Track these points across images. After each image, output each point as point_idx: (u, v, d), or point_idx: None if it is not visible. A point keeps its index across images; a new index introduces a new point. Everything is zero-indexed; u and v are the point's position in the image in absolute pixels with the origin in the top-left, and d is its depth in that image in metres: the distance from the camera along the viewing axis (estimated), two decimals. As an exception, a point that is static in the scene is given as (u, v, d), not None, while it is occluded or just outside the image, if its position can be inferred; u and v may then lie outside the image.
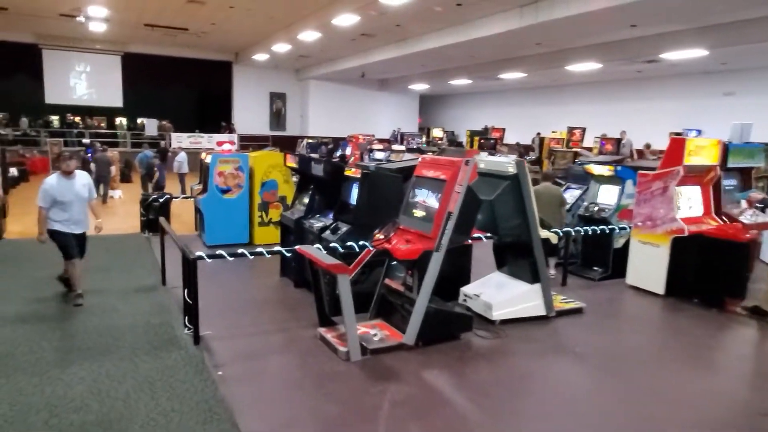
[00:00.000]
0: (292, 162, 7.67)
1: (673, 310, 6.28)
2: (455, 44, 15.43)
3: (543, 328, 5.49)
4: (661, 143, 16.81)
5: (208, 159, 8.97)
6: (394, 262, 5.21)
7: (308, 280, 6.33)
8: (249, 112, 25.45)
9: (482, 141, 17.90)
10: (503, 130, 22.11)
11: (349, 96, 26.10)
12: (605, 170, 7.79)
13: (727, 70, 16.79)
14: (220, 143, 13.83)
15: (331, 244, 5.51)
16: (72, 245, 5.82)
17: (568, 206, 7.77)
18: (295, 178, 9.23)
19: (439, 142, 23.44)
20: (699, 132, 16.43)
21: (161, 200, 9.61)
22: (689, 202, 6.83)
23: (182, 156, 14.18)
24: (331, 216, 6.39)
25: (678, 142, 6.74)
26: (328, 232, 5.99)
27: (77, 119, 24.61)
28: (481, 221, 5.60)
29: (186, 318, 5.01)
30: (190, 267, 4.74)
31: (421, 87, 25.38)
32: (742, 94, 16.63)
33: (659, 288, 6.64)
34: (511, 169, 5.30)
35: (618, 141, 14.73)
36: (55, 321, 5.32)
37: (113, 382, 4.03)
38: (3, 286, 6.42)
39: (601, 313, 6.09)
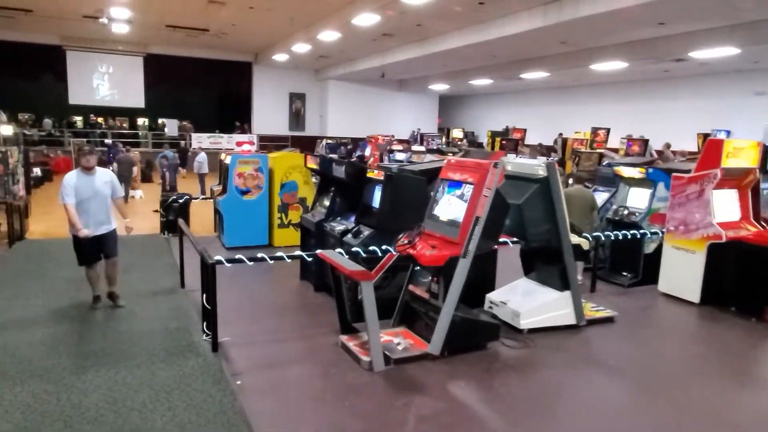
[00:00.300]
0: (312, 163, 7.52)
1: (710, 320, 5.98)
2: (477, 44, 15.15)
3: (573, 337, 5.26)
4: (689, 144, 16.52)
5: (228, 160, 8.88)
6: (418, 268, 5.03)
7: (329, 284, 6.20)
8: (268, 113, 25.48)
9: (503, 142, 17.61)
10: (524, 130, 21.77)
11: (369, 96, 25.97)
12: (636, 172, 7.50)
13: (759, 69, 16.23)
14: (239, 143, 13.80)
15: (353, 249, 5.34)
16: (87, 251, 5.54)
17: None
18: (315, 180, 9.11)
19: (459, 142, 23.20)
20: (728, 133, 15.92)
21: (181, 201, 9.56)
22: (726, 206, 6.51)
23: (202, 156, 14.18)
24: (352, 219, 6.22)
25: (715, 144, 6.44)
26: (349, 235, 5.83)
27: (100, 120, 24.91)
28: (508, 226, 5.37)
29: (204, 324, 4.89)
30: (208, 272, 4.62)
31: (440, 87, 25.14)
32: (774, 93, 16.09)
33: (694, 296, 6.34)
34: (541, 172, 5.07)
35: (645, 142, 14.33)
36: (73, 324, 5.25)
37: (129, 390, 3.92)
38: (24, 287, 6.38)
39: (634, 323, 5.83)
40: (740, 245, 6.11)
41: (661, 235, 6.89)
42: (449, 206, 4.86)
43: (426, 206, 5.17)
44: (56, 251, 7.91)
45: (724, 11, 11.17)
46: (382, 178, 5.75)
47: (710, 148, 6.46)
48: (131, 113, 25.14)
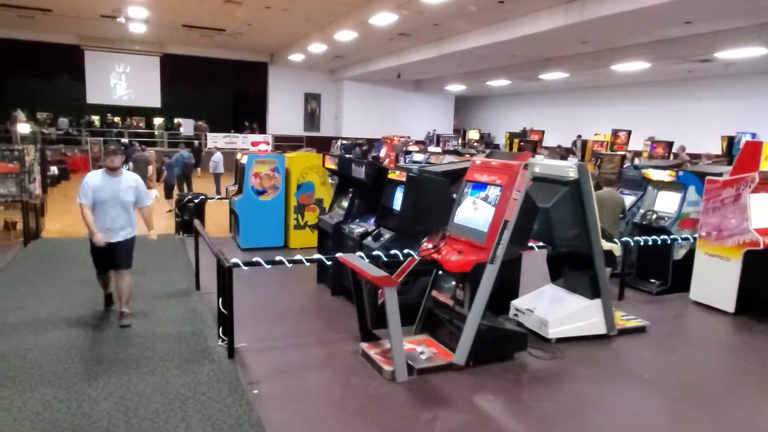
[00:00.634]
0: (331, 163, 7.34)
1: (747, 331, 5.69)
2: (495, 43, 14.89)
3: (604, 348, 5.01)
4: (711, 147, 16.09)
5: (244, 159, 8.74)
6: (441, 273, 4.82)
7: (346, 287, 6.01)
8: (283, 113, 25.41)
9: (522, 143, 17.31)
10: (542, 132, 21.43)
11: (384, 97, 25.79)
12: (665, 175, 7.22)
13: (788, 70, 15.78)
14: (255, 143, 13.67)
15: (374, 252, 5.14)
16: (97, 257, 5.20)
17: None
18: (331, 180, 8.94)
19: (475, 144, 22.93)
20: (753, 135, 15.48)
21: (196, 201, 9.45)
22: (764, 211, 6.20)
23: (218, 156, 14.08)
24: (371, 221, 6.03)
25: (754, 146, 6.14)
26: (369, 238, 5.64)
27: (116, 119, 25.03)
28: (534, 230, 5.14)
29: (220, 329, 4.72)
30: (225, 275, 4.45)
31: (457, 88, 24.87)
32: (803, 95, 15.62)
33: (729, 305, 6.05)
34: (572, 174, 4.83)
35: (670, 144, 13.96)
36: (85, 327, 5.11)
37: (142, 398, 3.75)
38: (37, 288, 6.29)
39: (667, 333, 5.56)
40: (779, 253, 5.83)
41: (692, 240, 6.61)
42: (475, 209, 4.65)
43: (449, 209, 4.97)
44: (71, 250, 7.83)
45: (752, 10, 10.81)
46: (403, 179, 5.55)
47: (748, 151, 6.17)
48: (148, 113, 25.24)
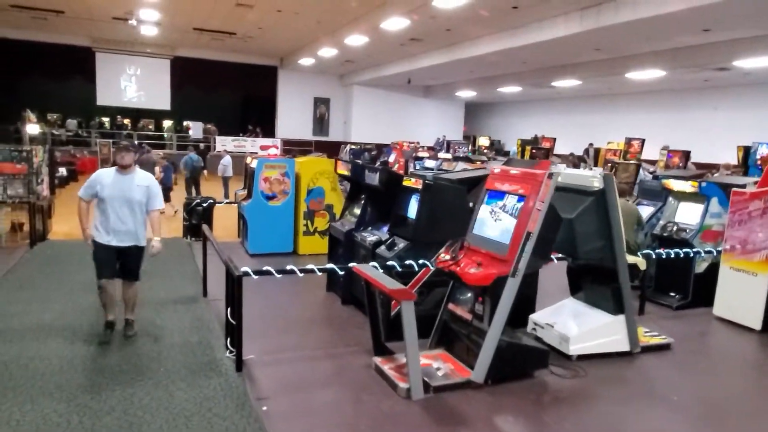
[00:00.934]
0: (343, 169, 7.17)
1: (775, 350, 5.46)
2: (507, 50, 14.71)
3: (628, 366, 4.78)
4: (727, 156, 15.78)
5: (254, 164, 8.59)
6: (458, 284, 4.63)
7: (357, 297, 5.83)
8: (292, 117, 25.33)
9: (534, 151, 17.07)
10: (553, 139, 21.17)
11: (393, 102, 25.66)
12: (687, 186, 6.98)
13: (807, 80, 15.50)
14: (264, 147, 13.54)
15: (388, 263, 4.96)
16: (106, 262, 4.74)
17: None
18: (342, 186, 8.77)
19: (485, 151, 22.70)
20: (770, 146, 15.18)
21: (204, 205, 9.31)
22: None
23: (227, 159, 13.98)
24: (384, 229, 5.85)
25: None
26: (383, 247, 5.45)
27: (126, 121, 25.04)
28: (556, 242, 4.95)
29: (228, 340, 4.55)
30: (234, 284, 4.27)
31: (467, 94, 24.71)
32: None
33: (756, 323, 5.81)
34: (597, 184, 4.64)
35: (686, 154, 13.70)
36: (90, 335, 4.93)
37: (146, 414, 3.58)
38: (42, 291, 6.15)
39: (692, 350, 5.33)
40: (809, 268, 5.59)
41: (715, 253, 6.38)
42: (495, 219, 4.45)
43: (466, 218, 4.77)
44: (78, 253, 7.66)
45: (775, 18, 10.58)
46: (418, 186, 5.37)
47: (776, 162, 5.94)
48: (157, 115, 25.24)
